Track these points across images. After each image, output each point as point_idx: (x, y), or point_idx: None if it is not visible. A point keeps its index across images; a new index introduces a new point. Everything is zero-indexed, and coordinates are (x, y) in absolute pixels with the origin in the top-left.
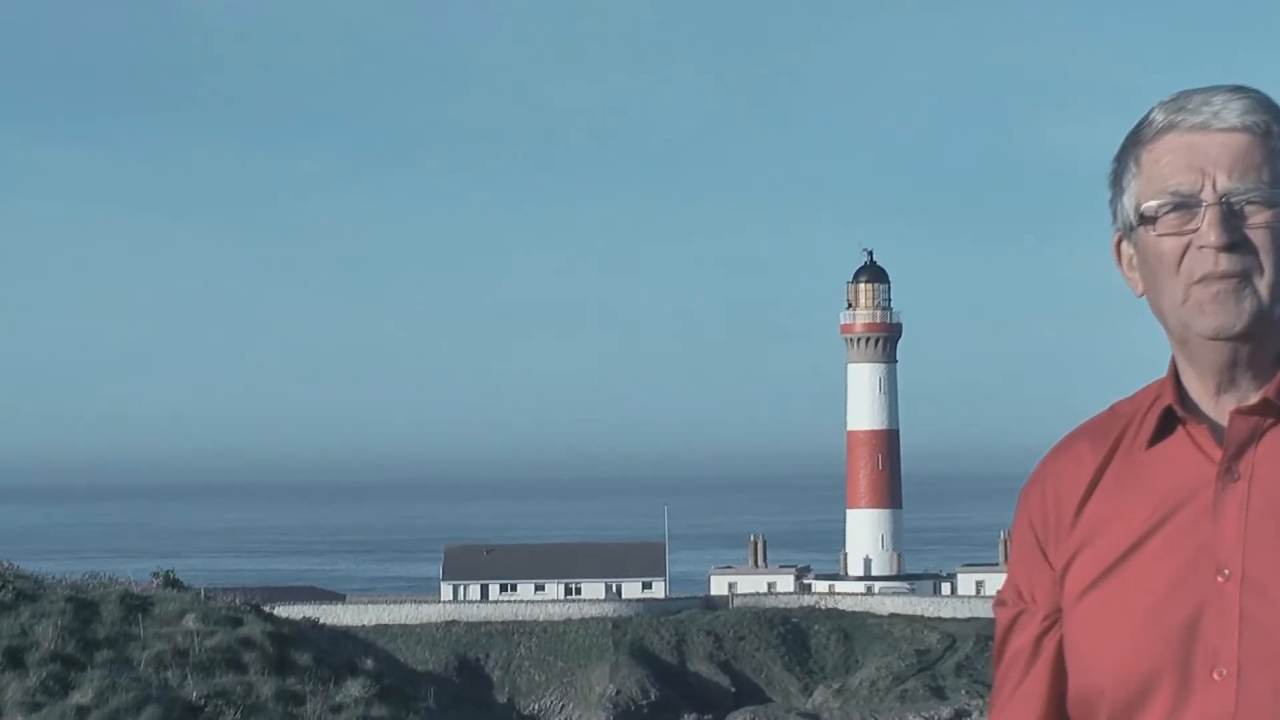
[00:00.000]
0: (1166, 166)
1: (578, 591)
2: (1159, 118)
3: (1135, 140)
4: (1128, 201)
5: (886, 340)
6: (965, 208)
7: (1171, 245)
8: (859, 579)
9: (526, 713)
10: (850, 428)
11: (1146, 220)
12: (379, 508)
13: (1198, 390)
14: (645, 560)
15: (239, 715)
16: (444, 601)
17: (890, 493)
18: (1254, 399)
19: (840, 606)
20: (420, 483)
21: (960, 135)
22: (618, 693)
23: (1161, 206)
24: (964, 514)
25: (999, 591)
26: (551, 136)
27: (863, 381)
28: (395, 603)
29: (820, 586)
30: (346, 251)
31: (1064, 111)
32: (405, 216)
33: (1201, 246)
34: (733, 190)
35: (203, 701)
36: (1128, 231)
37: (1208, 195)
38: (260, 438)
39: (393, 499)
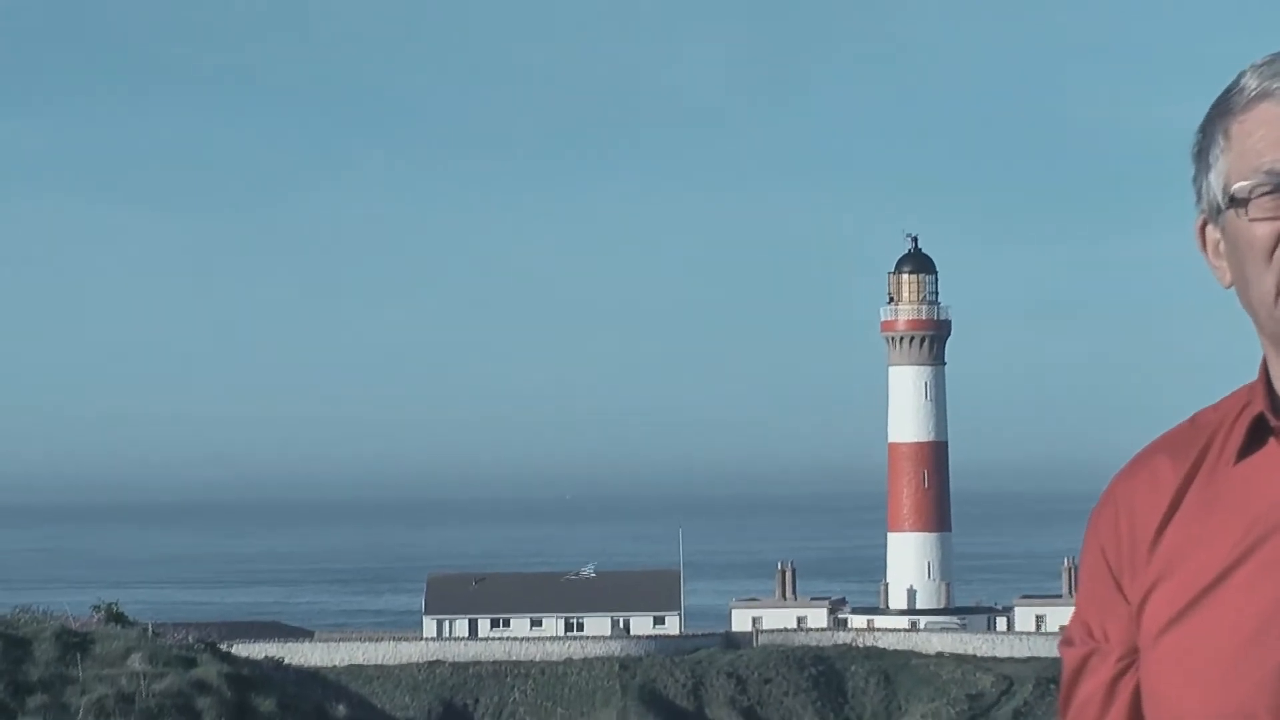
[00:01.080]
0: (1260, 141)
1: (580, 627)
2: (1251, 84)
3: (1224, 109)
4: (1215, 180)
5: (933, 339)
6: (1023, 188)
7: (1265, 231)
8: (902, 613)
9: None
10: (892, 439)
11: (1237, 202)
12: (352, 531)
13: None
14: (657, 591)
15: None
16: (427, 639)
17: (938, 514)
18: None
19: (880, 644)
20: (400, 502)
21: (1019, 104)
22: None
23: (1255, 187)
24: (1023, 538)
25: (1065, 628)
26: (551, 112)
27: (906, 386)
28: (371, 640)
29: (857, 621)
30: (321, 242)
31: (1142, 77)
32: (388, 202)
33: None
34: (755, 169)
35: None
36: (1214, 214)
37: None
38: (217, 451)
39: (368, 521)
